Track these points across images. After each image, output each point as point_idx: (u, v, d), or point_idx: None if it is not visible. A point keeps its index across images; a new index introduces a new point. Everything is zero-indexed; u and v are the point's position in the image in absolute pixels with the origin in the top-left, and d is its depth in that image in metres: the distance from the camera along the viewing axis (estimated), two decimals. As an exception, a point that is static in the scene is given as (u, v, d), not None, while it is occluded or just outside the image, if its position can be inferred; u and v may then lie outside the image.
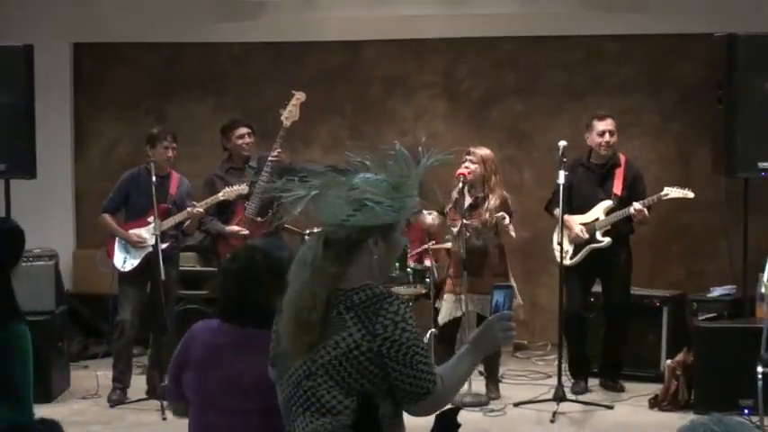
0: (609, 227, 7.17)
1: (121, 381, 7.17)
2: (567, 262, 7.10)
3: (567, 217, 7.08)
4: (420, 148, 2.86)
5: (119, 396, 7.13)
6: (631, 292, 7.42)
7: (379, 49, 9.03)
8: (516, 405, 6.93)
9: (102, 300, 7.95)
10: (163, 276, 6.88)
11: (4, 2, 9.05)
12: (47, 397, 6.79)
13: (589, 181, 7.26)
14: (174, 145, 7.29)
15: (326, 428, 2.74)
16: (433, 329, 7.17)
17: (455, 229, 7.05)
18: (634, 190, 7.21)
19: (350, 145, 9.06)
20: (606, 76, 8.70)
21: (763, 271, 6.44)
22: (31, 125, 7.28)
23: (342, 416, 2.74)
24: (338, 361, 2.74)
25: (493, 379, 7.20)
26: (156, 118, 8.97)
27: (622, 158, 7.32)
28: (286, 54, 9.07)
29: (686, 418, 6.23)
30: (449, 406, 2.80)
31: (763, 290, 6.48)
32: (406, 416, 2.84)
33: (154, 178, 7.08)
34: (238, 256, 3.45)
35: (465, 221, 6.94)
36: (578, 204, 7.22)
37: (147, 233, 7.14)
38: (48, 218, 8.73)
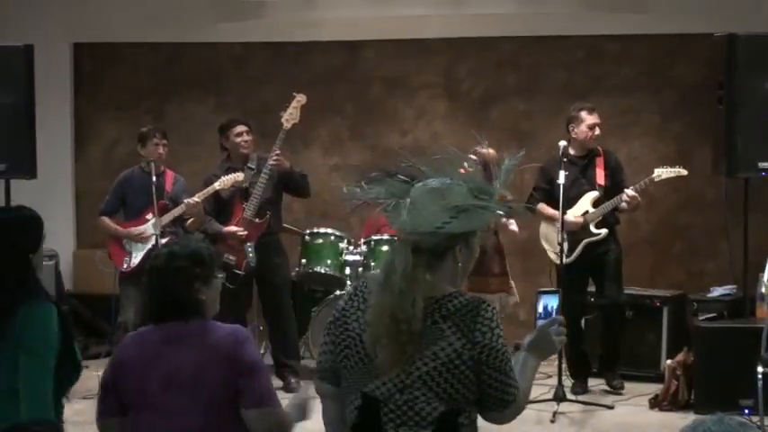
0: (601, 218, 7.16)
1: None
2: (565, 260, 7.08)
3: (552, 212, 7.04)
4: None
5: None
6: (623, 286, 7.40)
7: (379, 49, 9.02)
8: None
9: (102, 300, 7.96)
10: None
11: (4, 2, 9.05)
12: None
13: (571, 173, 7.16)
14: (165, 142, 7.34)
15: None
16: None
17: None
18: (617, 178, 7.22)
19: (350, 145, 9.08)
20: (606, 76, 8.70)
21: (763, 271, 6.45)
22: (32, 125, 7.29)
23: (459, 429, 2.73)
24: (438, 372, 2.70)
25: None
26: (156, 118, 8.97)
27: (600, 148, 7.31)
28: (286, 54, 9.07)
29: (686, 418, 6.25)
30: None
31: (763, 290, 6.49)
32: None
33: (154, 178, 7.13)
34: (158, 254, 3.42)
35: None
36: (564, 198, 7.11)
37: (144, 229, 7.21)
38: (48, 218, 8.56)
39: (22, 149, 7.22)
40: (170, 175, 7.40)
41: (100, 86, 9.33)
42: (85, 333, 8.57)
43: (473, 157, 7.14)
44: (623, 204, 7.07)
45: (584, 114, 7.21)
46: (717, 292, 7.24)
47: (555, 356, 7.38)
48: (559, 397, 6.77)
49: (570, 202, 7.12)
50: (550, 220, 7.13)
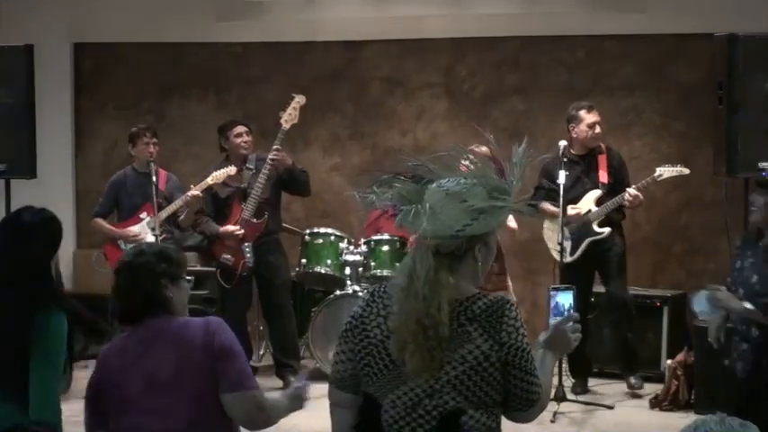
0: (603, 217, 7.16)
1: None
2: (568, 259, 7.08)
3: (555, 210, 7.02)
4: (517, 147, 2.85)
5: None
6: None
7: (379, 49, 9.02)
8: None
9: (102, 300, 7.94)
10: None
11: (4, 2, 9.06)
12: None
13: (573, 173, 7.17)
14: (155, 140, 7.38)
15: None
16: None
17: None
18: (620, 175, 7.22)
19: (350, 145, 9.08)
20: (607, 76, 8.69)
21: None
22: (32, 125, 7.28)
23: (473, 430, 2.72)
24: (467, 375, 2.70)
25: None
26: (156, 118, 8.97)
27: (602, 146, 7.31)
28: (286, 54, 9.07)
29: (687, 418, 6.25)
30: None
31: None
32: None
33: (154, 178, 7.14)
34: (126, 254, 3.44)
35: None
36: (566, 197, 7.08)
37: (139, 228, 7.22)
38: (48, 218, 8.71)
39: (22, 149, 7.21)
40: (162, 173, 7.44)
41: (100, 86, 9.33)
42: (85, 333, 8.55)
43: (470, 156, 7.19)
44: (625, 203, 7.07)
45: (582, 113, 7.21)
46: (717, 292, 7.23)
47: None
48: (559, 397, 6.77)
49: (573, 201, 7.13)
50: (553, 218, 7.13)
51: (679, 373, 6.87)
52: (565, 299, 2.97)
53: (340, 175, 9.02)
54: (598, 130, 7.20)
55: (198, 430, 3.21)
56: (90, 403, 3.34)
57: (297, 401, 3.40)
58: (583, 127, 7.18)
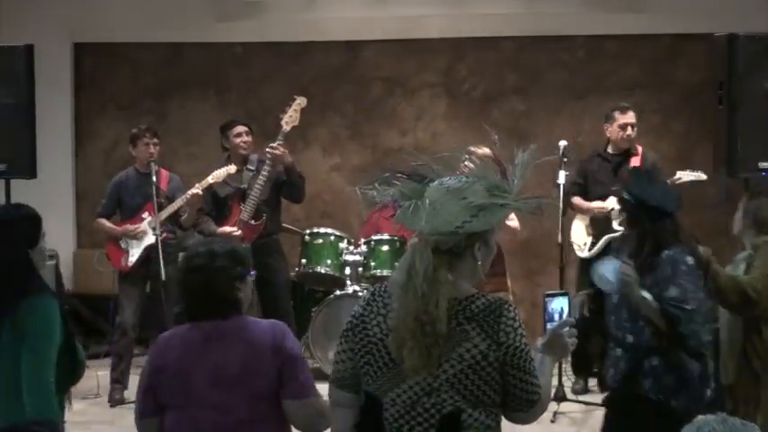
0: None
1: (121, 382, 7.22)
2: (586, 254, 7.14)
3: (588, 205, 7.23)
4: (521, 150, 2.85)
5: (120, 396, 7.15)
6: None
7: (379, 49, 9.02)
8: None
9: (102, 300, 7.97)
10: (163, 277, 6.92)
11: (4, 2, 9.06)
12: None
13: (604, 171, 7.30)
14: (156, 141, 7.37)
15: None
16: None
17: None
18: None
19: (350, 145, 9.08)
20: (607, 76, 8.70)
21: None
22: (32, 125, 7.27)
23: (472, 429, 2.73)
24: (465, 374, 2.71)
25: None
26: (156, 118, 8.97)
27: (639, 148, 7.37)
28: (286, 54, 9.07)
29: (686, 417, 6.23)
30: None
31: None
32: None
33: (154, 178, 7.14)
34: (197, 253, 3.43)
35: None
36: (594, 194, 7.27)
37: (142, 226, 7.23)
38: (48, 218, 8.60)
39: (22, 149, 7.20)
40: (164, 174, 7.43)
41: (100, 86, 9.33)
42: (85, 333, 8.57)
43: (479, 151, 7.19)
44: None
45: (617, 114, 7.32)
46: (717, 291, 7.23)
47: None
48: (559, 397, 6.78)
49: (602, 197, 7.20)
50: (583, 213, 7.26)
51: (679, 373, 6.86)
52: (559, 304, 2.98)
53: (340, 175, 9.03)
54: (629, 131, 7.26)
55: (253, 428, 3.26)
56: (147, 389, 3.36)
57: None
58: (615, 127, 7.28)
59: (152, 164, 7.25)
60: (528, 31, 8.72)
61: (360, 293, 7.16)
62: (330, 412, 3.19)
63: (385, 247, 7.62)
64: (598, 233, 7.22)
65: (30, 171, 7.32)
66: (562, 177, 6.91)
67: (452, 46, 8.93)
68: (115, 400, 7.12)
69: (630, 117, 7.28)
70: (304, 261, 7.76)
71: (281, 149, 7.14)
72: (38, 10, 8.99)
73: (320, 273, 7.73)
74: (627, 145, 7.31)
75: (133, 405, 7.33)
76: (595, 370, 7.48)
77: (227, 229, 7.26)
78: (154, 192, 7.11)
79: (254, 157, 7.41)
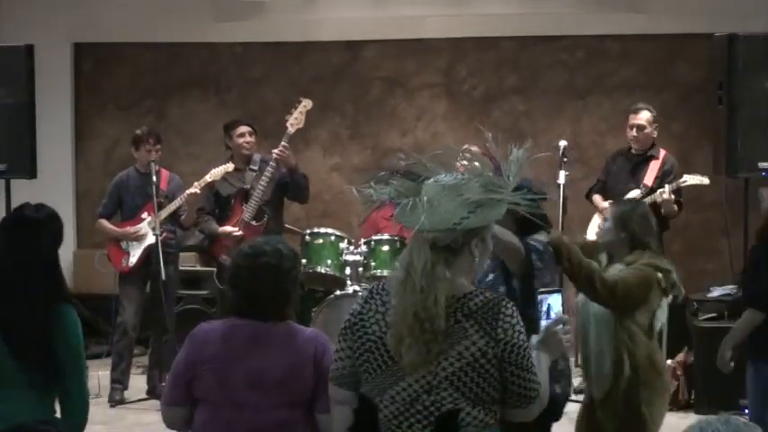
0: None
1: (122, 382, 7.21)
2: None
3: (596, 198, 7.36)
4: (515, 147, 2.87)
5: (120, 396, 7.15)
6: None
7: (379, 49, 9.02)
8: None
9: (102, 300, 7.96)
10: (164, 277, 6.92)
11: (4, 2, 9.06)
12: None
13: (624, 170, 7.35)
14: (158, 147, 7.37)
15: None
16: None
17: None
18: (666, 182, 7.22)
19: (350, 145, 9.08)
20: (607, 76, 8.70)
21: None
22: (32, 125, 7.28)
23: (470, 427, 2.73)
24: (464, 372, 2.71)
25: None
26: (156, 117, 8.98)
27: (662, 152, 7.37)
28: (286, 54, 9.07)
29: (687, 418, 6.25)
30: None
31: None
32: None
33: (154, 178, 7.15)
34: (266, 252, 3.36)
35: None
36: (612, 192, 7.29)
37: (141, 228, 7.24)
38: (48, 218, 8.70)
39: (23, 149, 7.21)
40: (165, 174, 7.44)
41: (100, 86, 9.33)
42: (85, 333, 8.55)
43: (466, 155, 7.20)
44: (657, 200, 7.00)
45: (630, 114, 7.39)
46: (717, 292, 7.24)
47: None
48: (559, 397, 6.77)
49: (618, 196, 7.22)
50: (599, 210, 7.29)
51: (679, 373, 6.87)
52: (552, 301, 2.98)
53: (340, 175, 9.02)
54: (635, 132, 7.28)
55: None
56: (178, 377, 3.35)
57: None
58: (627, 128, 7.36)
59: (152, 164, 7.25)
60: (528, 31, 8.72)
61: (360, 293, 7.15)
62: None
63: (385, 247, 7.61)
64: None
65: (30, 171, 7.32)
66: (562, 177, 6.90)
67: (452, 46, 8.92)
68: (115, 401, 7.12)
69: (638, 119, 7.28)
70: (304, 261, 7.75)
71: (287, 152, 7.16)
72: (38, 10, 8.99)
73: (320, 273, 7.72)
74: (637, 145, 7.31)
75: (133, 405, 7.37)
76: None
77: (227, 228, 7.26)
78: (154, 192, 7.11)
79: (256, 157, 7.41)
